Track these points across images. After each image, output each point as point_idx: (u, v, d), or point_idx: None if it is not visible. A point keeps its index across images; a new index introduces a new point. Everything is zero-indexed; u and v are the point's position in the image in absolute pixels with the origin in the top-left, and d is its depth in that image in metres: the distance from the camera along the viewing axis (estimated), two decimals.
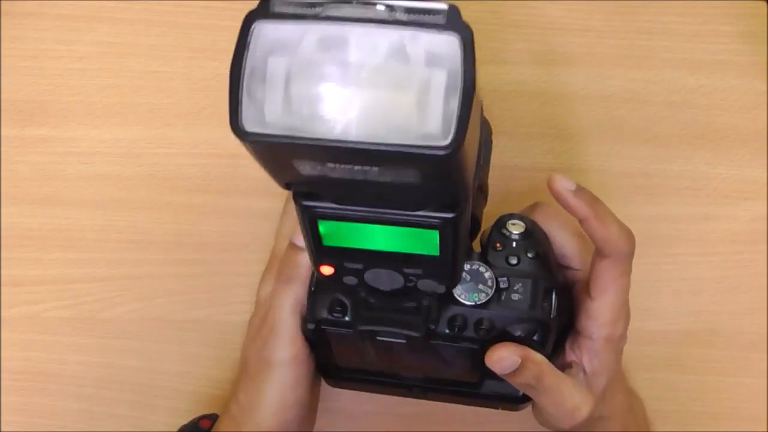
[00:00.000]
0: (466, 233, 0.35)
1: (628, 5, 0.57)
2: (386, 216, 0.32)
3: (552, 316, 0.42)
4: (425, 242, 0.33)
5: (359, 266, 0.35)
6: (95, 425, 0.53)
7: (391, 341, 0.40)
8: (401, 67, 0.26)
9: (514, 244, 0.42)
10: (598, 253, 0.42)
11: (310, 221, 0.33)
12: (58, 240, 0.54)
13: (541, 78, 0.56)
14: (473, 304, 0.40)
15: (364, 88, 0.26)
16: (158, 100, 0.55)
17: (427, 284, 0.36)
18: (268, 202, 0.55)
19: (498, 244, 0.42)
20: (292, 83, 0.26)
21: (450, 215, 0.31)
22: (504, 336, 0.41)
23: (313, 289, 0.43)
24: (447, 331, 0.40)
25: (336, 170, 0.27)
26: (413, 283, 0.36)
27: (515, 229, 0.43)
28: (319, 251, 0.35)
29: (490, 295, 0.40)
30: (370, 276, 0.36)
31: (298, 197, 0.32)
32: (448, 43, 0.26)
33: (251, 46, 0.26)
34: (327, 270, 0.36)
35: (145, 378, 0.53)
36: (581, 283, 0.44)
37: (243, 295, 0.54)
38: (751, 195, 0.56)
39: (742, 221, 0.56)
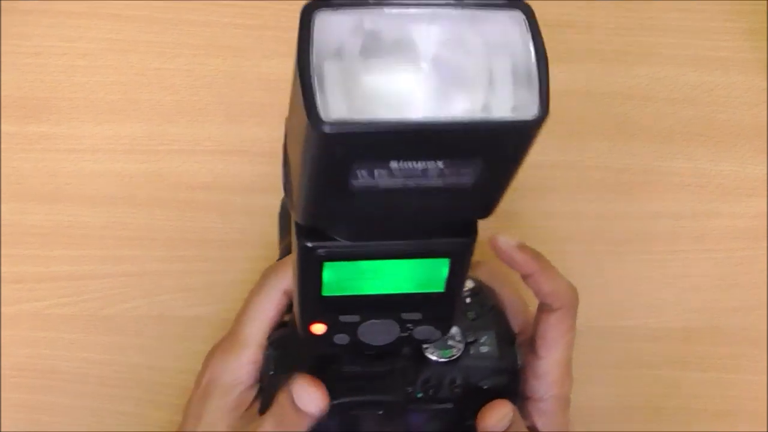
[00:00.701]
0: (466, 274, 0.34)
1: (630, 2, 0.57)
2: (399, 247, 0.31)
3: (519, 365, 0.42)
4: (433, 275, 0.32)
5: (355, 319, 0.34)
6: (98, 422, 0.53)
7: (366, 414, 0.39)
8: (471, 43, 0.26)
9: (468, 299, 0.42)
10: (545, 309, 0.41)
11: (314, 267, 0.31)
12: (60, 237, 0.54)
13: None
14: (447, 360, 0.40)
15: (438, 69, 0.26)
16: (161, 96, 0.55)
17: (424, 331, 0.35)
18: (271, 198, 0.55)
19: None
20: (362, 72, 0.25)
21: (466, 240, 0.31)
22: (478, 391, 0.40)
23: (272, 372, 0.41)
24: (421, 394, 0.40)
25: (395, 174, 0.26)
26: (408, 333, 0.35)
27: (466, 285, 0.43)
28: (316, 305, 0.33)
29: (462, 350, 0.40)
30: (363, 330, 0.35)
31: (303, 240, 0.30)
32: (512, 19, 0.26)
33: (315, 38, 0.26)
34: (319, 329, 0.34)
35: (147, 375, 0.53)
36: (523, 346, 0.43)
37: (246, 291, 0.54)
38: (754, 192, 0.56)
39: (744, 218, 0.56)
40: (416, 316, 0.34)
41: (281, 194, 0.57)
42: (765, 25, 0.57)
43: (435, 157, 0.26)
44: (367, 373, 0.39)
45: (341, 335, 0.35)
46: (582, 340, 0.55)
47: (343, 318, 0.34)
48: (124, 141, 0.55)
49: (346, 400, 0.39)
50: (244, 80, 0.55)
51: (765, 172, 0.57)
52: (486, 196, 0.29)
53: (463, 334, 0.41)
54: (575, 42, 0.57)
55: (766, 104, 0.57)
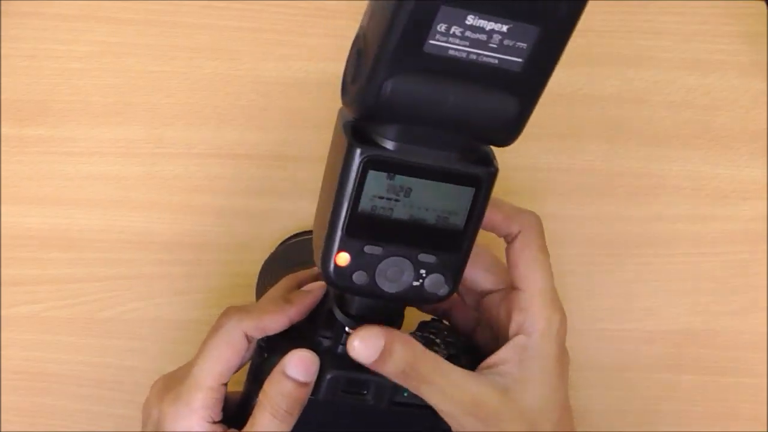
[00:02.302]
0: (483, 214, 0.37)
1: (627, 5, 0.57)
2: (435, 166, 0.34)
3: None
4: (457, 206, 0.35)
5: (377, 251, 0.36)
6: (95, 425, 0.53)
7: (353, 403, 0.40)
8: None
9: (445, 332, 0.43)
10: (508, 240, 0.41)
11: (358, 174, 0.34)
12: (57, 240, 0.54)
13: None
14: None
15: None
16: (157, 99, 0.55)
17: (434, 282, 0.37)
18: (268, 202, 0.55)
19: (436, 336, 0.43)
20: None
21: (489, 169, 0.35)
22: None
23: (266, 355, 0.41)
24: (406, 393, 0.40)
25: (465, 37, 0.31)
26: (420, 282, 0.37)
27: (439, 324, 0.44)
28: (350, 224, 0.35)
29: (446, 355, 0.41)
30: (382, 268, 0.36)
31: (354, 145, 0.34)
32: None
33: None
34: (343, 259, 0.36)
35: (144, 378, 0.53)
36: (506, 298, 0.42)
37: (242, 295, 0.54)
38: (750, 195, 0.56)
39: (741, 221, 0.56)
40: (431, 258, 0.36)
41: (278, 197, 0.57)
42: (762, 28, 0.57)
43: (504, 15, 0.30)
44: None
45: (360, 272, 0.36)
46: (579, 342, 0.55)
47: (368, 248, 0.36)
48: (120, 144, 0.55)
49: (339, 374, 0.39)
50: (241, 83, 0.55)
51: (762, 175, 0.56)
52: (526, 93, 0.33)
53: (446, 345, 0.42)
54: (571, 45, 0.56)
55: (763, 107, 0.57)
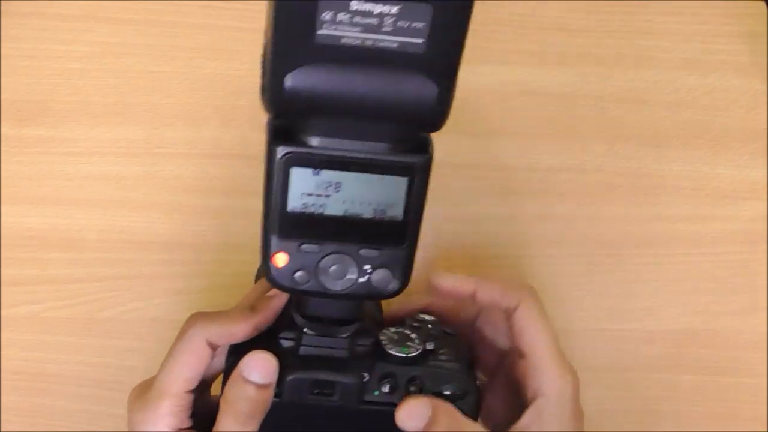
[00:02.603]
0: (424, 203, 0.36)
1: (627, 5, 0.57)
2: (362, 158, 0.34)
3: (478, 384, 0.42)
4: (392, 197, 0.35)
5: (315, 249, 0.35)
6: (94, 425, 0.53)
7: (321, 404, 0.40)
8: None
9: (429, 326, 0.43)
10: (509, 314, 0.42)
11: (282, 173, 0.34)
12: (57, 240, 0.54)
13: (541, 78, 0.56)
14: (404, 356, 0.41)
15: None
16: (157, 100, 0.55)
17: (381, 277, 0.36)
18: None
19: (413, 331, 0.43)
20: None
21: (421, 157, 0.34)
22: (435, 396, 0.40)
23: (232, 359, 0.41)
24: (377, 392, 0.40)
25: (355, 23, 0.30)
26: (367, 278, 0.36)
27: (427, 316, 0.44)
28: (281, 224, 0.35)
29: (420, 350, 0.41)
30: (324, 266, 0.36)
31: (274, 143, 0.33)
32: None
33: None
34: (281, 259, 0.36)
35: (144, 378, 0.53)
36: (517, 365, 0.43)
37: (241, 295, 0.54)
38: (750, 195, 0.56)
39: (741, 221, 0.56)
40: (374, 253, 0.36)
41: None
42: (762, 28, 0.57)
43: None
44: (324, 355, 0.40)
45: (301, 272, 0.36)
46: (579, 342, 0.55)
47: (305, 247, 0.35)
48: (120, 144, 0.55)
49: (300, 375, 0.39)
50: (241, 83, 0.55)
51: (762, 175, 0.56)
52: (438, 72, 0.32)
53: (422, 339, 0.42)
54: (571, 45, 0.57)
55: (763, 107, 0.57)
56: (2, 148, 0.55)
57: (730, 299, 0.56)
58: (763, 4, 0.58)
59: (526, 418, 0.41)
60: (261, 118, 0.56)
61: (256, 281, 0.53)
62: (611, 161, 0.56)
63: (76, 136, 0.55)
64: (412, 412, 0.39)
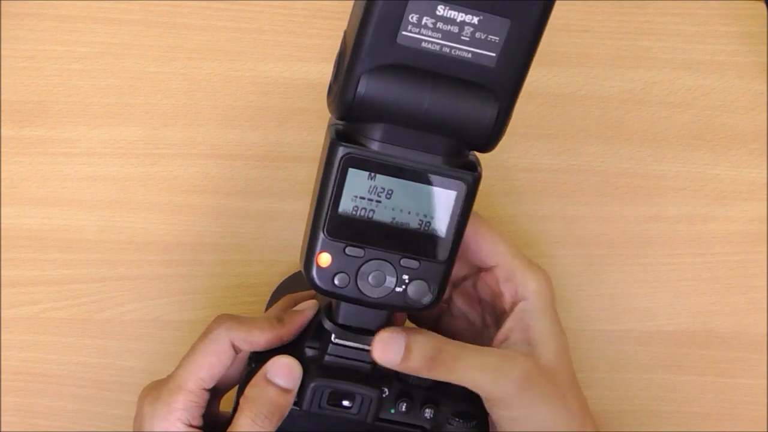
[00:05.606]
0: (467, 220, 0.37)
1: (626, 6, 0.57)
2: (417, 167, 0.35)
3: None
4: (439, 211, 0.36)
5: (359, 253, 0.36)
6: (94, 426, 0.53)
7: (338, 416, 0.40)
8: None
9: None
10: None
11: (340, 173, 0.35)
12: (56, 240, 0.54)
13: (540, 78, 0.56)
14: (418, 382, 0.41)
15: None
16: (156, 100, 0.55)
17: (418, 289, 0.37)
18: (266, 202, 0.55)
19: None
20: None
21: (471, 174, 0.36)
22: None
23: (253, 365, 0.41)
24: (393, 410, 0.41)
25: (437, 28, 0.32)
26: (404, 288, 0.37)
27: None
28: (330, 224, 0.36)
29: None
30: (364, 271, 0.37)
31: (336, 143, 0.34)
32: None
33: None
34: (325, 260, 0.36)
35: (143, 379, 0.53)
36: (483, 280, 0.43)
37: (241, 296, 0.54)
38: (750, 196, 0.56)
39: (740, 222, 0.56)
40: (414, 264, 0.37)
41: (276, 198, 0.57)
42: (762, 28, 0.57)
43: (473, 5, 0.31)
44: (347, 366, 0.40)
45: (342, 274, 0.37)
46: (577, 343, 0.55)
47: (350, 250, 0.36)
48: (119, 145, 0.55)
49: (322, 383, 0.39)
50: (240, 84, 0.55)
51: (762, 175, 0.56)
52: (502, 91, 0.33)
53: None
54: (571, 45, 0.57)
55: (762, 108, 0.57)
56: (1, 149, 0.55)
57: (729, 300, 0.56)
58: (763, 4, 0.58)
59: (509, 324, 0.41)
60: (260, 118, 0.56)
61: (267, 307, 0.53)
62: (610, 162, 0.56)
63: (75, 137, 0.55)
64: (386, 347, 0.38)
